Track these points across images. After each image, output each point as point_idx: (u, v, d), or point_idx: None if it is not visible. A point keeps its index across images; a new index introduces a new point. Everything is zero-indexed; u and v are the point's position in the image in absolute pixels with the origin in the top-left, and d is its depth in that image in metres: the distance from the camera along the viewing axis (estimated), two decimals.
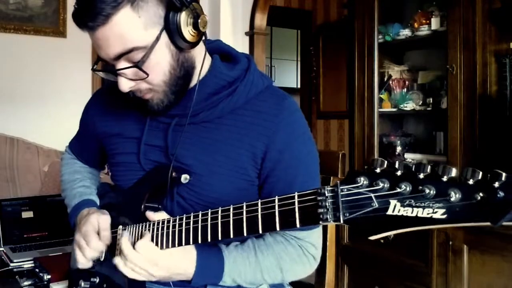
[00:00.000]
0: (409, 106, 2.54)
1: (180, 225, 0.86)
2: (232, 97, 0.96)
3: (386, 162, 0.62)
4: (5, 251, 1.72)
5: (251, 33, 3.40)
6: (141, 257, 0.88)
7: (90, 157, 1.24)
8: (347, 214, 0.62)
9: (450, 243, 2.04)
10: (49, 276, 1.41)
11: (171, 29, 0.87)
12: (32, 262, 1.57)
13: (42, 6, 2.94)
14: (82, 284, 1.08)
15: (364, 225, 0.61)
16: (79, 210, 1.11)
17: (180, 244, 0.86)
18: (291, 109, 1.00)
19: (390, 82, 2.67)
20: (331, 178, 1.23)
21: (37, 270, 1.49)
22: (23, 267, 1.57)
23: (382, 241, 2.33)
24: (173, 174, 0.95)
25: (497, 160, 2.02)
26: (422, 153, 2.56)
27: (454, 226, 0.57)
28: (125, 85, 0.90)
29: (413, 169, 0.59)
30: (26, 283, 1.44)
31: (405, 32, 2.52)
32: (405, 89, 2.62)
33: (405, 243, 2.25)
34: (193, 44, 0.91)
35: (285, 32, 5.73)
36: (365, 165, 2.58)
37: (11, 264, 1.58)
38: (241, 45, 3.39)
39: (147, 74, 0.88)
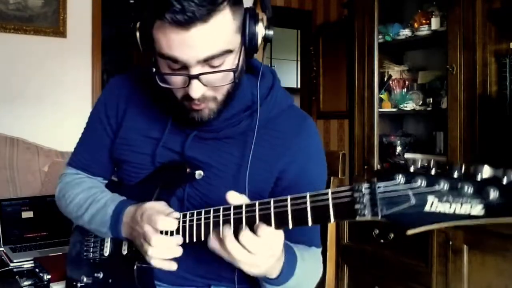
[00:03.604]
0: (409, 106, 2.54)
1: (207, 218, 0.85)
2: (253, 117, 0.96)
3: (420, 160, 0.66)
4: (5, 251, 1.72)
5: None
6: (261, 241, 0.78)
7: (98, 166, 1.12)
8: (385, 210, 0.65)
9: (450, 243, 2.04)
10: (49, 276, 1.41)
11: (250, 37, 0.87)
12: (32, 262, 1.57)
13: (42, 6, 2.94)
14: (85, 279, 1.08)
15: (402, 220, 0.64)
16: (122, 211, 0.98)
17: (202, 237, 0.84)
18: (310, 132, 1.01)
19: (390, 82, 2.67)
20: (331, 178, 1.23)
21: (37, 270, 1.50)
22: (23, 267, 1.58)
23: (382, 241, 2.33)
24: (188, 169, 0.95)
25: (497, 160, 2.02)
26: (422, 153, 2.56)
27: (492, 222, 0.59)
28: (199, 91, 0.84)
29: (446, 168, 0.62)
30: (26, 283, 1.44)
31: (405, 32, 2.52)
32: (405, 89, 2.62)
33: (405, 243, 2.25)
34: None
35: (285, 32, 5.73)
36: (364, 165, 2.58)
37: (11, 264, 1.58)
38: None
39: (235, 80, 0.86)
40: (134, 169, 1.04)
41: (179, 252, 0.88)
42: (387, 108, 2.63)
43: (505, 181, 0.58)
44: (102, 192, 1.07)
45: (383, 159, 2.60)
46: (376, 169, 2.51)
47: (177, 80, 0.86)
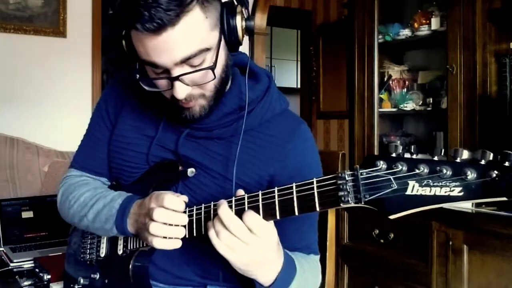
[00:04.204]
0: (409, 106, 2.54)
1: (199, 214, 0.87)
2: (246, 119, 0.96)
3: (401, 147, 0.67)
4: (5, 251, 1.72)
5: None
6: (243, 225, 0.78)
7: (103, 164, 1.10)
8: (367, 196, 0.67)
9: (450, 243, 2.04)
10: (49, 276, 1.41)
11: (229, 31, 0.87)
12: (32, 262, 1.57)
13: (42, 6, 2.94)
14: (82, 281, 1.08)
15: (385, 205, 0.66)
16: (129, 204, 0.96)
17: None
18: (304, 137, 1.01)
19: (390, 82, 2.67)
20: None
21: (37, 270, 1.50)
22: (23, 267, 1.58)
23: (382, 241, 2.33)
24: (180, 167, 0.96)
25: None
26: (422, 153, 2.56)
27: (470, 202, 0.61)
28: (183, 91, 0.85)
29: (427, 153, 0.63)
30: (26, 283, 1.44)
31: (405, 32, 2.52)
32: (405, 89, 2.62)
33: (405, 243, 2.25)
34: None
35: (285, 32, 5.73)
36: None
37: (11, 264, 1.59)
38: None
39: (215, 77, 0.86)
40: (129, 168, 1.04)
41: (182, 232, 0.86)
42: (387, 108, 2.63)
43: (483, 162, 0.59)
44: (108, 190, 1.05)
45: None
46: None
47: (161, 83, 0.88)
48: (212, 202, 0.85)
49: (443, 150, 0.63)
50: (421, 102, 2.52)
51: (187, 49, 0.82)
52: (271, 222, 0.80)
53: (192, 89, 0.87)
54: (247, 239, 0.77)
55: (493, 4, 2.08)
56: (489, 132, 2.09)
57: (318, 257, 1.03)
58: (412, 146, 0.66)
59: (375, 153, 2.55)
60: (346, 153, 1.32)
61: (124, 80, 1.11)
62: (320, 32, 4.35)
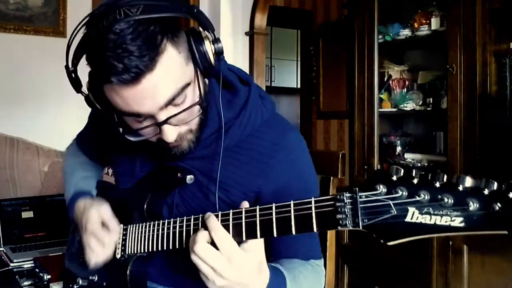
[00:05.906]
0: (409, 106, 2.54)
1: (181, 226, 0.86)
2: (224, 138, 0.92)
3: (402, 170, 0.64)
4: (5, 251, 1.72)
5: (251, 33, 3.40)
6: (218, 253, 0.76)
7: (95, 154, 1.24)
8: (366, 220, 0.65)
9: (450, 243, 2.04)
10: (49, 276, 1.41)
11: (201, 58, 0.83)
12: (32, 262, 1.57)
13: (42, 6, 2.94)
14: (80, 282, 1.08)
15: (383, 231, 0.65)
16: (74, 203, 1.08)
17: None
18: (289, 148, 0.96)
19: (390, 82, 2.67)
20: (331, 178, 1.23)
21: (37, 270, 1.50)
22: (23, 267, 1.58)
23: (382, 241, 2.33)
24: (179, 174, 0.95)
25: (497, 160, 2.02)
26: (422, 153, 2.56)
27: (471, 234, 0.59)
28: (173, 133, 0.83)
29: (429, 178, 0.61)
30: (26, 283, 1.44)
31: (405, 32, 2.52)
32: (405, 89, 2.62)
33: (405, 243, 2.25)
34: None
35: (285, 32, 5.73)
36: (364, 165, 2.58)
37: (11, 264, 1.59)
38: (241, 45, 3.39)
39: (203, 110, 0.83)
40: (121, 178, 1.08)
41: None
42: (387, 108, 2.63)
43: (486, 192, 0.57)
44: (81, 170, 1.21)
45: (383, 159, 2.60)
46: (376, 169, 2.51)
47: (148, 131, 0.84)
48: (213, 213, 0.82)
49: (445, 176, 0.61)
50: (421, 102, 2.52)
51: (170, 90, 0.79)
52: (259, 241, 0.77)
53: (180, 127, 0.85)
54: (222, 271, 0.74)
55: (493, 4, 2.08)
56: (489, 132, 2.09)
57: (319, 261, 1.00)
58: (414, 171, 0.62)
59: (375, 154, 2.55)
60: (346, 153, 1.32)
61: (98, 120, 1.12)
62: (320, 32, 4.34)
